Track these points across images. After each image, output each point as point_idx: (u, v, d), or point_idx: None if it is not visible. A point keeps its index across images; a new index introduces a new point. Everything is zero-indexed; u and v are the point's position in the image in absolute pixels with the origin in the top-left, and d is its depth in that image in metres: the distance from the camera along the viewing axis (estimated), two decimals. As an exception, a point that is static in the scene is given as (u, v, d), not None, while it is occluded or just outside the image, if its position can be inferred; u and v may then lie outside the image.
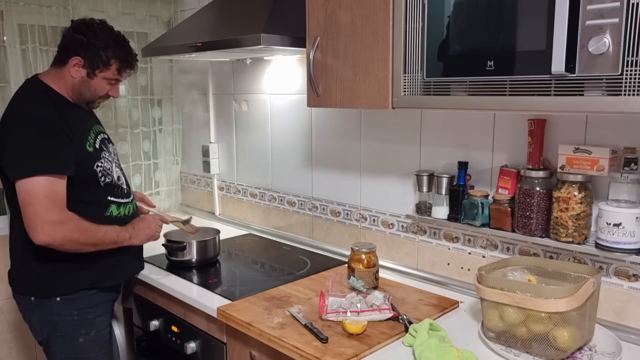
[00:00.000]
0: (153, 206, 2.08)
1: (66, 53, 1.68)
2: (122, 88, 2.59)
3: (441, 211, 1.72)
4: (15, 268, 1.78)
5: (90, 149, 1.71)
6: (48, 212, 1.54)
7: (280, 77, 2.33)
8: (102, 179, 1.74)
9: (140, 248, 1.94)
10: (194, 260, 2.04)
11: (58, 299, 1.71)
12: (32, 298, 1.72)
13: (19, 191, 1.56)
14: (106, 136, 1.85)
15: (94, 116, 1.87)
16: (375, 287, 1.73)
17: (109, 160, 1.79)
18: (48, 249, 1.59)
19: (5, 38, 2.25)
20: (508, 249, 1.67)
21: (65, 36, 1.71)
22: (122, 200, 1.81)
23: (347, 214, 2.12)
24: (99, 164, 1.73)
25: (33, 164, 1.55)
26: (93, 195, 1.72)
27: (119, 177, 1.82)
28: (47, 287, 1.71)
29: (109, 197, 1.76)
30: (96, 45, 1.67)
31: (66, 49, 1.69)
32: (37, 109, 1.63)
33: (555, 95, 1.13)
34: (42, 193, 1.54)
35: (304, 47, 1.68)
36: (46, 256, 1.65)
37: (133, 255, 1.89)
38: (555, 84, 1.12)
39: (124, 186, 1.85)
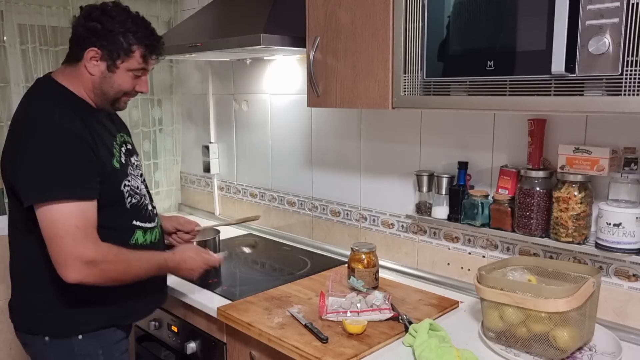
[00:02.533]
0: (194, 227, 1.88)
1: (80, 46, 1.40)
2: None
3: (441, 211, 1.71)
4: (19, 301, 1.49)
5: (117, 165, 1.45)
6: (80, 246, 1.30)
7: (280, 77, 2.33)
8: (129, 199, 1.48)
9: (165, 279, 1.70)
10: (194, 260, 2.03)
11: (80, 336, 1.45)
12: (47, 338, 1.44)
13: (42, 220, 1.30)
14: (130, 145, 1.59)
15: (117, 120, 1.62)
16: (375, 287, 1.73)
17: (135, 177, 1.53)
18: (62, 282, 1.34)
19: (5, 38, 2.25)
20: (508, 249, 1.67)
21: (76, 26, 1.41)
22: (148, 225, 1.54)
23: (347, 214, 2.12)
24: (126, 183, 1.47)
25: (58, 187, 1.29)
26: (117, 219, 1.45)
27: (144, 195, 1.56)
28: (65, 324, 1.44)
29: (134, 222, 1.50)
30: (113, 31, 1.38)
31: (79, 41, 1.40)
32: (58, 117, 1.35)
33: (555, 95, 1.13)
34: (72, 223, 1.29)
35: (304, 47, 1.68)
36: (61, 288, 1.39)
37: (157, 288, 1.66)
38: (555, 84, 1.12)
39: (150, 207, 1.58)
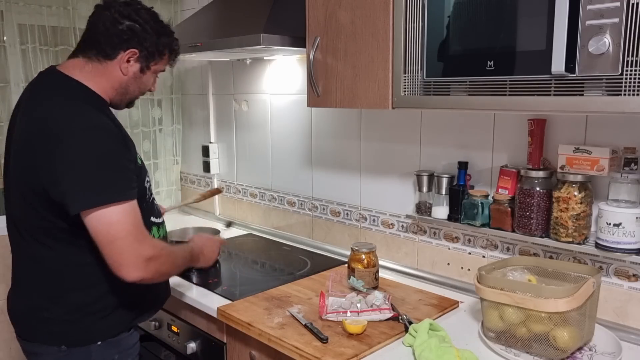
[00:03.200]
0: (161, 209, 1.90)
1: (115, 45, 1.37)
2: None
3: (441, 211, 1.72)
4: (33, 314, 1.43)
5: (140, 162, 1.44)
6: (141, 244, 1.30)
7: (280, 77, 2.33)
8: (148, 195, 1.48)
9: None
10: (194, 260, 2.03)
11: (99, 342, 1.43)
12: (63, 346, 1.41)
13: (97, 224, 1.26)
14: None
15: None
16: (375, 287, 1.73)
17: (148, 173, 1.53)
18: (88, 290, 1.39)
19: (5, 38, 2.25)
20: (508, 249, 1.67)
21: (111, 23, 1.36)
22: (159, 220, 1.55)
23: (347, 214, 2.12)
24: (147, 179, 1.48)
25: (111, 189, 1.27)
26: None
27: (152, 191, 1.56)
28: (85, 332, 1.42)
29: (151, 218, 1.49)
30: (151, 33, 1.39)
31: (115, 40, 1.36)
32: (94, 119, 1.31)
33: (555, 95, 1.13)
34: (130, 222, 1.29)
35: (304, 47, 1.68)
36: (84, 298, 1.40)
37: (164, 287, 1.66)
38: (555, 84, 1.12)
39: (156, 201, 1.58)
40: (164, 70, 1.52)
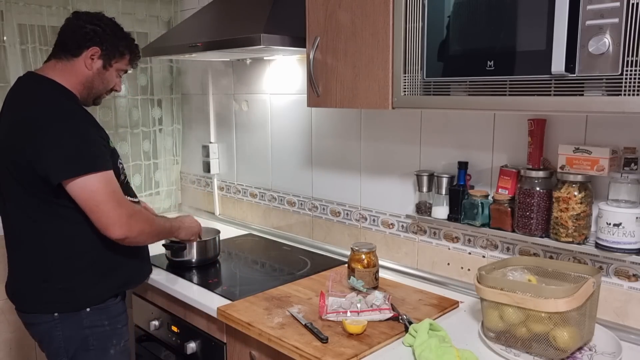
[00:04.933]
0: None
1: (80, 44, 1.60)
2: (122, 87, 2.60)
3: (441, 211, 1.72)
4: (30, 286, 1.62)
5: (112, 145, 1.66)
6: (122, 205, 1.52)
7: (280, 77, 2.33)
8: (122, 177, 1.68)
9: (149, 251, 1.86)
10: (194, 260, 2.04)
11: (88, 309, 1.61)
12: (56, 314, 1.59)
13: (82, 191, 1.48)
14: None
15: None
16: (375, 287, 1.73)
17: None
18: (77, 258, 1.58)
19: (5, 38, 2.25)
20: (508, 249, 1.67)
21: (77, 27, 1.61)
22: (135, 200, 1.74)
23: (347, 214, 2.12)
24: (120, 161, 1.69)
25: (92, 160, 1.49)
26: None
27: (127, 174, 1.77)
28: (77, 299, 1.60)
29: (127, 197, 1.66)
30: (111, 35, 1.64)
31: (81, 40, 1.60)
32: (67, 104, 1.56)
33: (555, 95, 1.13)
34: (110, 188, 1.51)
35: (304, 47, 1.68)
36: (75, 266, 1.59)
37: (146, 259, 1.84)
38: (555, 84, 1.12)
39: (131, 183, 1.80)
40: (126, 71, 1.75)
